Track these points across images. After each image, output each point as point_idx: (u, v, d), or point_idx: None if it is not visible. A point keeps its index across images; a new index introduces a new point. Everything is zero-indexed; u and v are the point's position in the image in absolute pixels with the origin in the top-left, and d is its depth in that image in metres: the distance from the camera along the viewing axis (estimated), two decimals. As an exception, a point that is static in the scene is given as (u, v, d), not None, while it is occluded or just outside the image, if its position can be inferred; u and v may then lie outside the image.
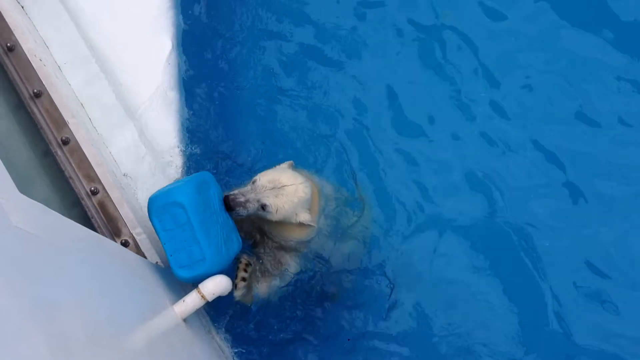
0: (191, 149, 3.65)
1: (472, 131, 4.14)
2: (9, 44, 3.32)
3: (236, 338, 3.54)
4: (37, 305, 1.33)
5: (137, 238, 3.21)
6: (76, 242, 1.90)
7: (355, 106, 4.23)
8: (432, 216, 3.99)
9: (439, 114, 4.21)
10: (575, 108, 4.14)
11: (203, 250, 2.83)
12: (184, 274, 2.84)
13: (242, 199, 3.13)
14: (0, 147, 2.96)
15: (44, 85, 3.32)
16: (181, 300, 2.76)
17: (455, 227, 3.96)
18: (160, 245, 3.30)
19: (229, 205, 3.10)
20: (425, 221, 3.98)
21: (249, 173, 3.70)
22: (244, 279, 3.21)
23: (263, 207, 3.16)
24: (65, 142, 3.25)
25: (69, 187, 3.23)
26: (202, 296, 2.77)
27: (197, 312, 2.99)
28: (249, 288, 3.27)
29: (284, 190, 3.19)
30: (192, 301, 2.76)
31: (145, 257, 3.17)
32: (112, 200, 3.23)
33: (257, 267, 3.39)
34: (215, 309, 3.52)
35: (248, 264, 3.28)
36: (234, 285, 3.13)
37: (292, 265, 3.46)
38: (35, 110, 3.28)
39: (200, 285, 2.79)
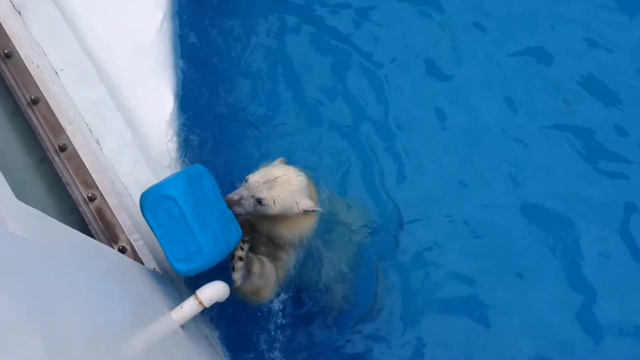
0: (188, 155, 3.65)
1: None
2: (6, 51, 3.32)
3: (233, 344, 3.54)
4: (34, 311, 1.33)
5: (135, 244, 3.21)
6: (73, 248, 1.90)
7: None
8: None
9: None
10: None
11: (199, 241, 2.80)
12: (182, 267, 2.80)
13: (236, 198, 3.12)
14: (-3, 154, 2.96)
15: (41, 92, 3.32)
16: (178, 307, 2.76)
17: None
18: (158, 251, 3.31)
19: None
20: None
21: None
22: (240, 258, 3.06)
23: (259, 201, 3.13)
24: (63, 149, 3.25)
25: (66, 193, 3.23)
26: (200, 302, 2.76)
27: (194, 319, 2.98)
28: (249, 272, 3.13)
29: (277, 181, 3.17)
30: (189, 307, 2.75)
31: (142, 264, 3.17)
32: (109, 207, 3.22)
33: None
34: (213, 315, 3.52)
35: (244, 242, 3.11)
36: (231, 268, 3.05)
37: (289, 259, 3.41)
38: (32, 116, 3.28)
39: (197, 292, 2.79)
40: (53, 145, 3.26)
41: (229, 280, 2.94)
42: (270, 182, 3.16)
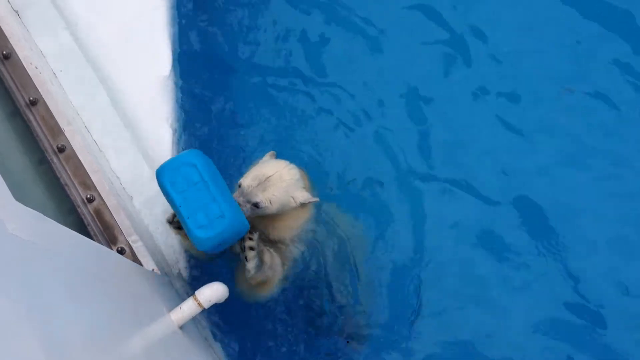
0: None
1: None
2: (4, 52, 3.32)
3: (232, 345, 3.54)
4: (33, 312, 1.33)
5: (133, 245, 3.21)
6: (72, 249, 1.90)
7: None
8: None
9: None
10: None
11: (221, 205, 2.76)
12: (203, 234, 2.74)
13: (247, 249, 3.05)
14: (-4, 155, 2.96)
15: (39, 93, 3.32)
16: (177, 308, 2.76)
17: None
18: (157, 252, 3.31)
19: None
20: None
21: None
22: (252, 248, 3.00)
23: (256, 205, 3.10)
24: (61, 150, 3.25)
25: (65, 194, 3.23)
26: (199, 303, 2.76)
27: (193, 320, 2.98)
28: (262, 262, 3.11)
29: (270, 180, 3.13)
30: (188, 308, 2.75)
31: (141, 265, 3.17)
32: (108, 208, 3.22)
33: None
34: (212, 316, 3.52)
35: (251, 232, 3.05)
36: (244, 258, 3.01)
37: (291, 253, 3.38)
38: (31, 117, 3.29)
39: (196, 293, 2.79)
40: (52, 146, 3.26)
41: (227, 282, 2.94)
42: (263, 183, 3.12)
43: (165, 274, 3.29)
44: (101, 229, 3.20)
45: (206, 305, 2.77)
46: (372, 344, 3.73)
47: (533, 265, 3.80)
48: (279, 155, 3.43)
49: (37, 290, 1.42)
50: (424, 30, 4.32)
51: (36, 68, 3.41)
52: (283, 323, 3.66)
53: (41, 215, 1.68)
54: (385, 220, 3.92)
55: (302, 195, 3.21)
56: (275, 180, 3.15)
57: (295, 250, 3.41)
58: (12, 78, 3.33)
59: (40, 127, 3.28)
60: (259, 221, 3.29)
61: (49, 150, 3.26)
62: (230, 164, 3.87)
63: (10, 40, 3.39)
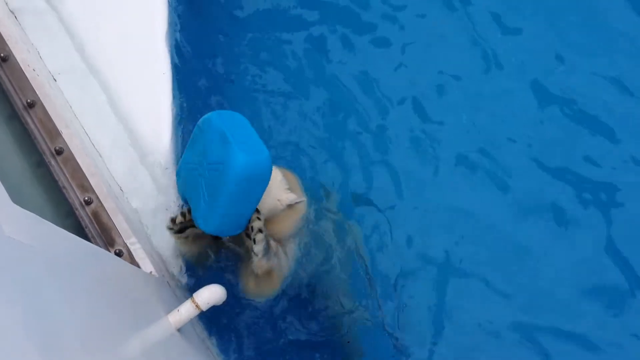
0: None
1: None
2: (2, 54, 3.32)
3: (230, 348, 3.53)
4: (30, 315, 1.33)
5: (131, 248, 3.20)
6: (70, 252, 1.90)
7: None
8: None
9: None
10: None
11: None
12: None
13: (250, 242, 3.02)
14: (-6, 158, 2.96)
15: (37, 95, 3.32)
16: (175, 310, 2.75)
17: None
18: (155, 254, 3.32)
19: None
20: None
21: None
22: (260, 230, 2.93)
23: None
24: (59, 152, 3.25)
25: (63, 197, 3.23)
26: (197, 305, 2.76)
27: (191, 323, 2.98)
28: (269, 247, 3.05)
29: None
30: (186, 310, 2.75)
31: (139, 267, 3.16)
32: (106, 210, 3.22)
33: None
34: (210, 319, 3.51)
35: (258, 212, 2.98)
36: (253, 240, 2.94)
37: (290, 250, 3.35)
38: (28, 120, 3.28)
39: (194, 295, 2.79)
40: (49, 148, 3.26)
41: (225, 284, 2.93)
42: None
43: (163, 277, 3.29)
44: (99, 231, 3.19)
45: (204, 307, 2.77)
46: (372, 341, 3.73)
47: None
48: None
49: (34, 293, 1.42)
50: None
51: (34, 70, 3.40)
52: (281, 325, 3.66)
53: (39, 217, 1.68)
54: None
55: (288, 196, 3.19)
56: (279, 192, 3.16)
57: (294, 248, 3.38)
58: (9, 80, 3.33)
59: (38, 130, 3.27)
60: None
61: (47, 152, 3.25)
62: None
63: (7, 42, 3.39)
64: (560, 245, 3.85)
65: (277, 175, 3.20)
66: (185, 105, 3.81)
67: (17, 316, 1.27)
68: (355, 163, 4.08)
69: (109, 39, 3.71)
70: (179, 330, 2.76)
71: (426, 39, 4.40)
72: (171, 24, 3.88)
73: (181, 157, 3.12)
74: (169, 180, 3.58)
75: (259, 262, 3.06)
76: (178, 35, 3.93)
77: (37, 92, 3.33)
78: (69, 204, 3.22)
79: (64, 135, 3.28)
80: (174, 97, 3.74)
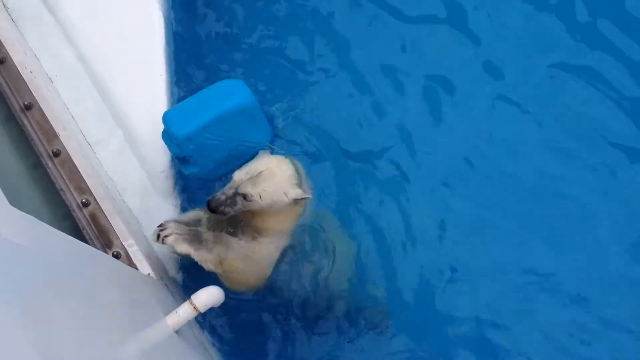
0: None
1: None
2: (-1, 57, 3.32)
3: (228, 350, 3.53)
4: (27, 317, 1.33)
5: (129, 250, 3.20)
6: (67, 254, 1.89)
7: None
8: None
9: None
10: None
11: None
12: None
13: (222, 198, 3.12)
14: (-9, 160, 2.96)
15: (34, 98, 3.32)
16: (173, 312, 2.75)
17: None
18: (152, 256, 3.31)
19: (212, 208, 3.11)
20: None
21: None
22: (166, 236, 3.13)
23: (244, 197, 3.13)
24: (56, 154, 3.24)
25: (60, 199, 3.23)
26: (195, 307, 2.75)
27: (189, 324, 2.98)
28: (200, 241, 3.18)
29: (261, 176, 3.15)
30: (184, 312, 2.74)
31: (137, 269, 3.16)
32: (103, 212, 3.22)
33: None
34: (208, 321, 3.51)
35: (162, 226, 3.17)
36: (162, 241, 3.12)
37: (274, 247, 3.37)
38: (26, 122, 3.28)
39: (192, 297, 2.78)
40: (47, 150, 3.26)
41: (223, 286, 2.94)
42: (254, 178, 3.15)
43: (160, 278, 3.29)
44: (96, 233, 3.19)
45: (202, 309, 2.76)
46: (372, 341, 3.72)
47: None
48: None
49: (31, 295, 1.42)
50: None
51: (31, 72, 3.40)
52: (280, 324, 3.65)
53: (36, 219, 1.68)
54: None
55: (295, 191, 3.21)
56: (267, 176, 3.17)
57: (276, 243, 3.39)
58: (6, 82, 3.33)
59: (35, 132, 3.27)
60: (247, 214, 3.29)
61: (44, 154, 3.25)
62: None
63: (4, 44, 3.40)
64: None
65: (287, 169, 3.24)
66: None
67: (14, 318, 1.27)
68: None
69: (106, 41, 3.71)
70: (177, 332, 2.75)
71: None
72: (168, 26, 3.88)
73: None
74: (166, 181, 3.58)
75: (198, 257, 3.16)
76: (175, 37, 3.93)
77: (34, 94, 3.33)
78: (67, 205, 3.22)
79: (61, 137, 3.28)
80: (171, 98, 3.74)
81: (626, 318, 3.65)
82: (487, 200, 3.88)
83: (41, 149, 3.25)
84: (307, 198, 3.26)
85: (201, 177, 3.52)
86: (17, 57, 3.39)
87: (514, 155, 3.96)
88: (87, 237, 3.18)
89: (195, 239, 3.16)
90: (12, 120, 3.31)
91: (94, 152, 3.55)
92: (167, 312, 2.75)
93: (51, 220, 3.15)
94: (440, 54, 4.21)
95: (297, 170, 3.32)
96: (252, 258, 3.32)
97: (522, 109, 4.07)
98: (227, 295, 2.90)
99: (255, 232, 3.35)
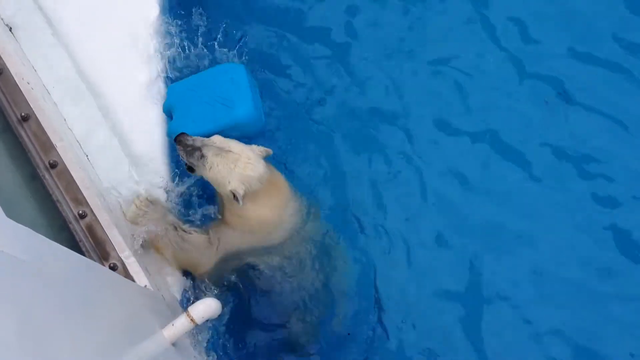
0: (181, 169, 3.65)
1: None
2: (-4, 68, 3.32)
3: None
4: (24, 330, 1.32)
5: (126, 261, 3.18)
6: (64, 266, 1.89)
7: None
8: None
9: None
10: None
11: None
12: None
13: (189, 141, 3.28)
14: (-13, 171, 2.95)
15: (31, 109, 3.32)
16: (170, 324, 2.73)
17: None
18: (149, 268, 3.30)
19: (177, 138, 3.32)
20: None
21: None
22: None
23: (201, 157, 3.26)
24: (53, 166, 3.23)
25: (57, 210, 3.21)
26: (192, 320, 2.74)
27: (186, 336, 2.96)
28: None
29: (227, 154, 3.25)
30: (181, 325, 2.73)
31: (133, 281, 3.15)
32: (100, 224, 3.21)
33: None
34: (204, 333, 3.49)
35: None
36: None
37: (230, 237, 3.47)
38: (22, 133, 3.27)
39: (189, 309, 2.77)
40: (43, 162, 3.25)
41: (220, 298, 2.92)
42: (222, 151, 3.25)
43: (158, 290, 3.27)
44: (93, 245, 3.18)
45: (199, 321, 2.75)
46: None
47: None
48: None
49: (28, 308, 1.41)
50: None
51: (28, 84, 3.40)
52: (275, 335, 3.64)
53: (32, 231, 1.67)
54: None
55: (237, 186, 3.25)
56: (231, 158, 3.25)
57: (232, 240, 3.48)
58: (4, 94, 3.33)
59: (32, 143, 3.27)
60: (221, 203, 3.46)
61: (41, 166, 3.24)
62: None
63: (2, 55, 3.40)
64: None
65: (254, 170, 3.28)
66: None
67: (10, 330, 1.26)
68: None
69: (103, 52, 3.71)
70: (174, 344, 2.74)
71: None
72: (165, 35, 3.89)
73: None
74: (163, 190, 3.57)
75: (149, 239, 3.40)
76: (172, 48, 3.93)
77: (32, 106, 3.32)
78: (63, 217, 3.20)
79: (58, 149, 3.28)
80: (167, 109, 3.74)
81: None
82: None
83: (38, 160, 3.25)
84: (239, 196, 3.25)
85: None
86: (15, 68, 3.39)
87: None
88: (84, 249, 3.17)
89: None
90: (9, 132, 3.30)
91: (91, 164, 3.54)
92: (164, 324, 2.74)
93: (48, 232, 3.14)
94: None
95: (261, 180, 3.32)
96: (183, 247, 3.44)
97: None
98: (225, 309, 2.89)
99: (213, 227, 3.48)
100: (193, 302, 2.86)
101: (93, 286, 2.16)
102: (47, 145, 3.27)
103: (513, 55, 4.22)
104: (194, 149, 3.29)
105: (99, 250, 3.18)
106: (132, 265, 3.20)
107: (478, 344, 3.66)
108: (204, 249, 3.47)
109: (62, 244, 1.99)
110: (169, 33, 3.91)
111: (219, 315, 2.92)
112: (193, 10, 4.13)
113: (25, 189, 3.20)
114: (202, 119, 3.58)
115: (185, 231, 3.45)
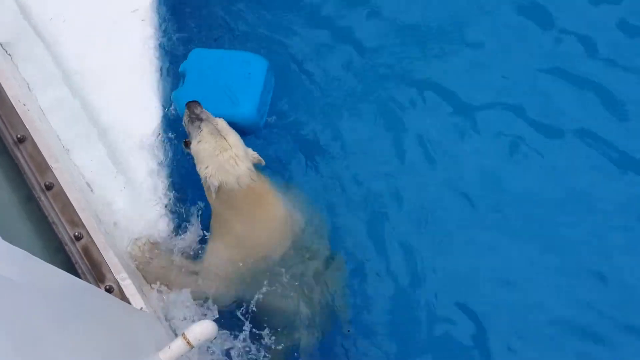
0: (176, 190, 3.64)
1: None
2: (-7, 90, 3.33)
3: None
4: (19, 352, 1.30)
5: (122, 283, 3.16)
6: (60, 288, 1.87)
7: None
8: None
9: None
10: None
11: None
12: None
13: (198, 110, 3.41)
14: (-17, 193, 2.94)
15: (27, 130, 3.32)
16: (166, 347, 2.71)
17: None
18: (145, 290, 3.28)
19: (189, 103, 3.43)
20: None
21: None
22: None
23: (198, 128, 3.36)
24: (49, 187, 3.23)
25: (53, 232, 3.20)
26: (188, 342, 2.71)
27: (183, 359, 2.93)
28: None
29: (221, 140, 3.32)
30: (177, 347, 2.70)
31: (129, 303, 3.12)
32: (96, 245, 3.19)
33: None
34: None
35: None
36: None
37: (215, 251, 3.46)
38: (18, 155, 3.28)
39: (185, 331, 2.74)
40: (39, 183, 3.24)
41: (217, 320, 2.90)
42: (218, 135, 3.33)
43: (154, 312, 3.25)
44: (89, 267, 3.16)
45: (195, 344, 2.72)
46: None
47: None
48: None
49: (24, 330, 1.40)
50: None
51: (24, 105, 3.41)
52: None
53: (28, 254, 1.66)
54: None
55: (212, 173, 3.29)
56: (220, 145, 3.31)
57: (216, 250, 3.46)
58: (0, 116, 3.33)
59: (28, 165, 3.26)
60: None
61: (37, 187, 3.24)
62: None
63: (-1, 78, 3.41)
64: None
65: (235, 168, 3.29)
66: (172, 135, 3.80)
67: (7, 352, 1.25)
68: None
69: (99, 74, 3.72)
70: (170, 367, 2.71)
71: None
72: (163, 53, 3.91)
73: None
74: (161, 210, 3.56)
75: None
76: (167, 67, 3.96)
77: (28, 127, 3.33)
78: (59, 239, 3.19)
79: (54, 170, 3.27)
80: (163, 128, 3.74)
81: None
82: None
83: (34, 181, 3.24)
84: (212, 186, 3.28)
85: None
86: (11, 90, 3.40)
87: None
88: (80, 271, 3.15)
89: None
90: (5, 153, 3.30)
91: (87, 185, 3.53)
92: (160, 347, 2.71)
93: (43, 254, 3.12)
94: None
95: (239, 182, 3.30)
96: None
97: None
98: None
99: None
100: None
101: (89, 308, 2.14)
102: (43, 167, 3.27)
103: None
104: (197, 119, 3.38)
105: (94, 272, 3.16)
106: (128, 287, 3.18)
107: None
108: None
109: (58, 266, 1.98)
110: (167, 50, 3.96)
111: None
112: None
113: (21, 211, 3.19)
114: (205, 100, 3.58)
115: (196, 273, 3.42)
